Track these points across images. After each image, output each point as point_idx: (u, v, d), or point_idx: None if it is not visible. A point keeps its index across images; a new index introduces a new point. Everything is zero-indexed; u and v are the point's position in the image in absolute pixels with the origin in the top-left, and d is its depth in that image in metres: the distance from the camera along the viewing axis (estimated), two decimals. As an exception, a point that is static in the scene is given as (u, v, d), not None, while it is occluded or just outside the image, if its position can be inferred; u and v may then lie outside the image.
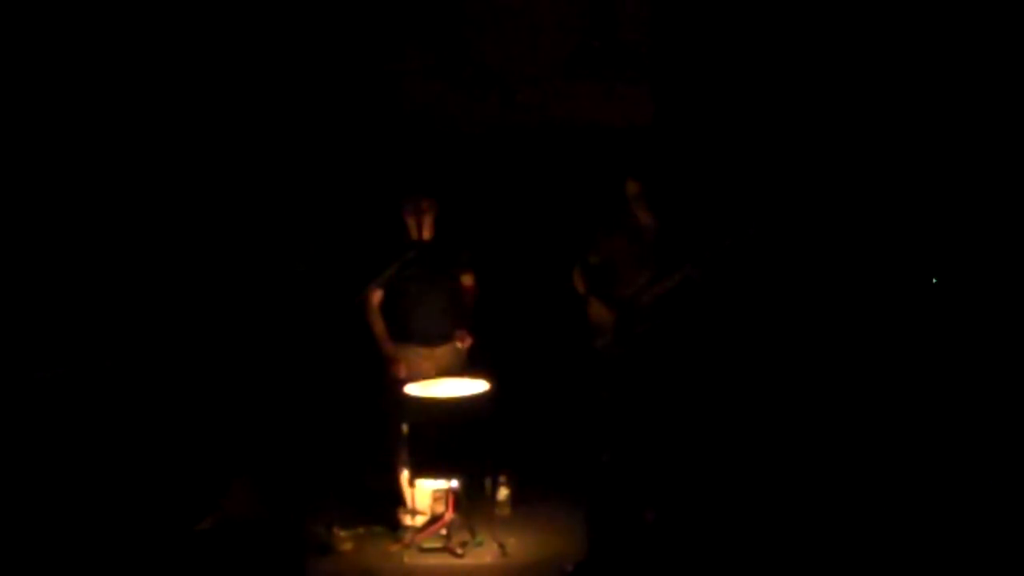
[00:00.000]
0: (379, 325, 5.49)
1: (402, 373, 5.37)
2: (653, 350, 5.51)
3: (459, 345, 5.43)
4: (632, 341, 5.54)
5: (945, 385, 5.85)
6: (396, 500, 5.28)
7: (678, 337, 5.56)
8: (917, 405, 5.79)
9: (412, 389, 5.12)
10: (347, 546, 5.10)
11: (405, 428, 5.03)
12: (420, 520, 5.15)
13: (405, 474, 5.12)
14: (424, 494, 5.18)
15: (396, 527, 5.23)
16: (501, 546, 5.03)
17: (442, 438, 4.94)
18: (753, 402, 5.98)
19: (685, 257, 5.45)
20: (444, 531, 5.10)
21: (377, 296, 5.48)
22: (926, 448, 5.50)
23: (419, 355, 5.46)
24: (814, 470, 5.39)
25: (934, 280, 6.31)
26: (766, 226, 5.43)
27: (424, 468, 5.02)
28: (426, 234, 5.42)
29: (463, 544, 5.05)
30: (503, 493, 5.40)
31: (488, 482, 5.34)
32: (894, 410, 5.82)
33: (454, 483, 5.08)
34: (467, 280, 5.56)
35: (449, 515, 5.12)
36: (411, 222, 5.42)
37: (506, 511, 5.40)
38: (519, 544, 5.09)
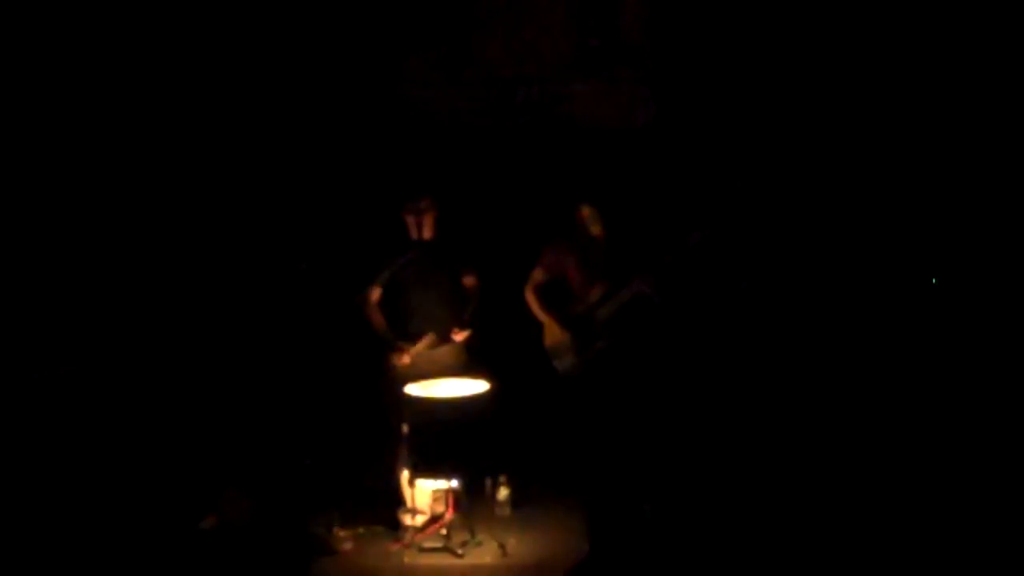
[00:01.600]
0: (379, 321, 5.51)
1: (406, 361, 5.38)
2: (617, 365, 5.52)
3: (455, 338, 5.45)
4: (594, 358, 5.54)
5: (942, 386, 5.85)
6: (396, 500, 5.28)
7: (641, 349, 5.57)
8: (907, 404, 5.80)
9: (412, 389, 5.13)
10: (347, 546, 5.10)
11: (405, 428, 5.03)
12: (420, 520, 5.15)
13: (405, 474, 5.12)
14: (424, 494, 5.18)
15: (396, 527, 5.23)
16: (501, 546, 5.03)
17: (442, 438, 4.94)
18: (730, 405, 5.98)
19: (636, 269, 5.47)
20: (444, 531, 5.10)
21: (376, 294, 5.50)
22: (921, 447, 5.50)
23: (421, 355, 5.48)
24: (803, 469, 5.40)
25: (933, 280, 6.31)
26: (713, 233, 5.45)
27: (424, 468, 5.02)
28: (426, 234, 5.45)
29: (463, 544, 5.04)
30: (503, 493, 5.40)
31: (488, 482, 5.34)
32: (880, 406, 5.83)
33: (454, 483, 5.08)
34: (469, 280, 5.58)
35: (449, 515, 5.12)
36: (411, 222, 5.45)
37: (506, 511, 5.40)
38: (519, 544, 5.08)
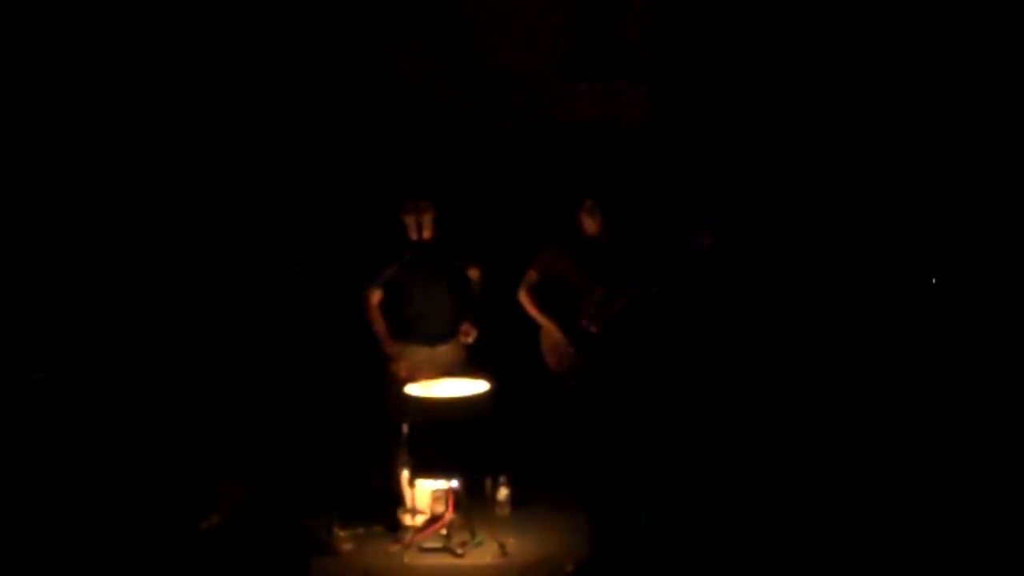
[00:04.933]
0: (380, 325, 5.51)
1: (403, 372, 5.38)
2: (620, 365, 5.50)
3: (464, 339, 5.44)
4: (597, 358, 5.52)
5: (942, 387, 5.86)
6: (396, 500, 5.28)
7: (643, 349, 5.56)
8: (908, 407, 5.80)
9: (412, 389, 5.13)
10: (347, 546, 5.09)
11: (405, 428, 5.04)
12: (420, 520, 5.15)
13: (405, 474, 5.12)
14: (424, 494, 5.18)
15: (396, 527, 5.23)
16: (501, 546, 5.03)
17: (442, 438, 4.94)
18: (731, 406, 5.98)
19: (641, 270, 5.45)
20: (444, 531, 5.10)
21: (376, 296, 5.50)
22: (921, 450, 5.51)
23: (421, 354, 5.49)
24: (804, 471, 5.40)
25: (934, 280, 6.32)
26: (723, 231, 5.43)
27: (424, 468, 5.02)
28: (426, 234, 5.45)
29: (463, 544, 5.05)
30: (503, 493, 5.40)
31: (488, 482, 5.34)
32: (882, 408, 5.83)
33: (454, 483, 5.08)
34: (474, 273, 5.57)
35: (449, 515, 5.12)
36: (410, 222, 5.44)
37: (506, 511, 5.40)
38: (519, 544, 5.08)
